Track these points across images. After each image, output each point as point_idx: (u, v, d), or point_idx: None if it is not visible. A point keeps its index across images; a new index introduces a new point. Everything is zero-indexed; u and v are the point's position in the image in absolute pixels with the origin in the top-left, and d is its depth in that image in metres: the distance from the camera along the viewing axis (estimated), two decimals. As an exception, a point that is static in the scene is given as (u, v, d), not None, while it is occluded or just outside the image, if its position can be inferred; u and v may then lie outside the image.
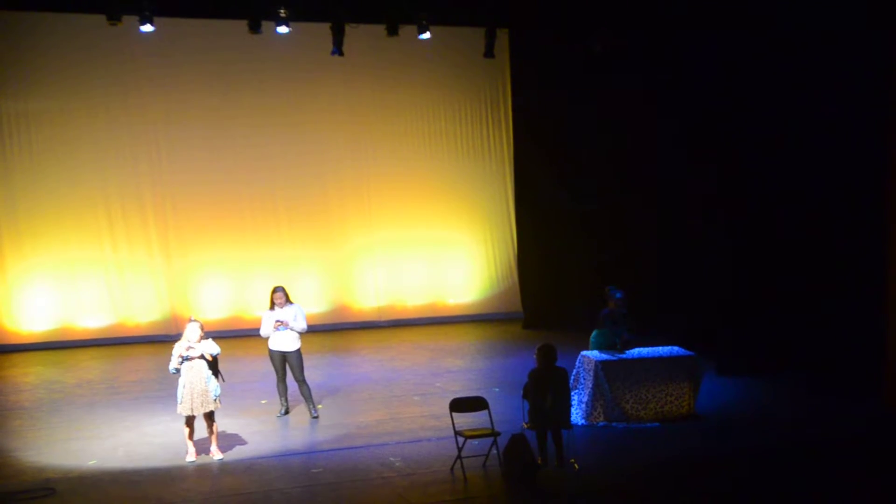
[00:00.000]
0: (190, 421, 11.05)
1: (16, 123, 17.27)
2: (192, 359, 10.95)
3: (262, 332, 12.64)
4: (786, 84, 14.27)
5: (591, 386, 12.31)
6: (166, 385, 13.25)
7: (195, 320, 11.20)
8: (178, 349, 10.95)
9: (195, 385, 10.96)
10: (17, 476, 10.68)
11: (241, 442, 11.71)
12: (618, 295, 12.88)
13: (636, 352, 12.73)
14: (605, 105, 18.41)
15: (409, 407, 13.36)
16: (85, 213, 17.71)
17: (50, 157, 17.44)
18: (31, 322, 17.56)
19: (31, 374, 15.82)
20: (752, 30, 14.58)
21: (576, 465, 10.63)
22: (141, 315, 18.16)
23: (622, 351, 12.61)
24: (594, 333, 12.97)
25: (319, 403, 13.11)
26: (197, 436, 11.24)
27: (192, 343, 10.95)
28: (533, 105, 18.90)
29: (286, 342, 12.59)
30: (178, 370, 10.94)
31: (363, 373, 15.61)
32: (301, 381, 12.66)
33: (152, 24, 16.19)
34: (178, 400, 11.01)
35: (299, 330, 12.61)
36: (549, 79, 18.60)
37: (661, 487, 10.21)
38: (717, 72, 15.42)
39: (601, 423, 12.23)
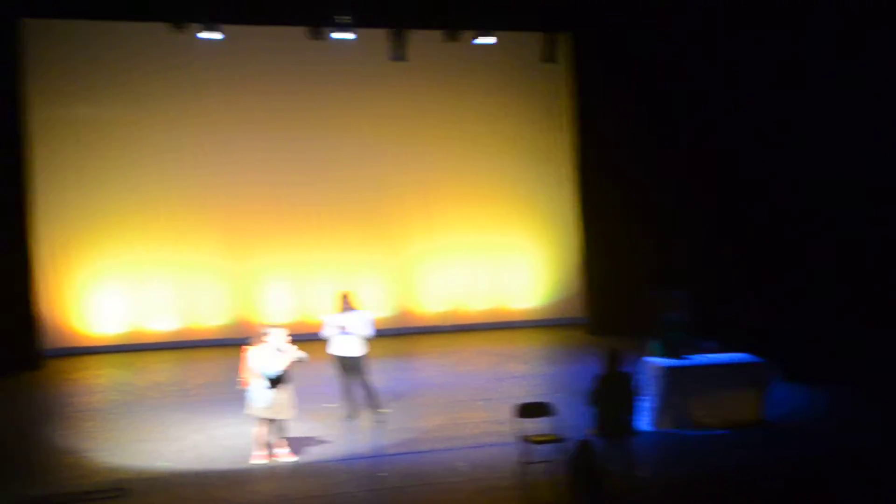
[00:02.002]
0: (264, 424, 11.14)
1: (88, 130, 17.59)
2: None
3: (324, 334, 12.74)
4: (847, 87, 14.09)
5: (658, 392, 12.23)
6: (233, 388, 13.24)
7: (273, 327, 11.30)
8: (275, 357, 11.00)
9: (283, 390, 11.09)
10: (91, 476, 10.91)
11: (308, 445, 11.80)
12: (676, 295, 12.77)
13: (703, 358, 12.61)
14: (668, 107, 18.27)
15: (474, 412, 13.36)
16: (154, 217, 17.99)
17: (120, 162, 17.75)
18: (103, 325, 17.86)
19: (103, 377, 16.12)
20: (813, 30, 14.43)
21: (644, 474, 10.54)
22: (208, 319, 18.39)
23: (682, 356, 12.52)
24: (653, 344, 12.88)
25: (384, 408, 13.14)
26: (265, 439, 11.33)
27: (288, 348, 11.06)
28: (594, 108, 18.78)
29: (350, 347, 12.68)
30: (279, 375, 11.02)
31: (427, 377, 15.67)
32: (365, 386, 12.73)
33: (215, 32, 16.40)
34: (260, 404, 11.08)
35: (362, 335, 12.65)
36: (611, 82, 18.49)
37: (728, 495, 10.10)
38: (784, 73, 15.26)
39: (668, 430, 12.14)
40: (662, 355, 12.64)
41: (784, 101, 15.29)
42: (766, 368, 12.54)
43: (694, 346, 12.61)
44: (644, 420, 12.22)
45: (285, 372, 11.10)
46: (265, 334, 11.15)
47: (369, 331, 12.68)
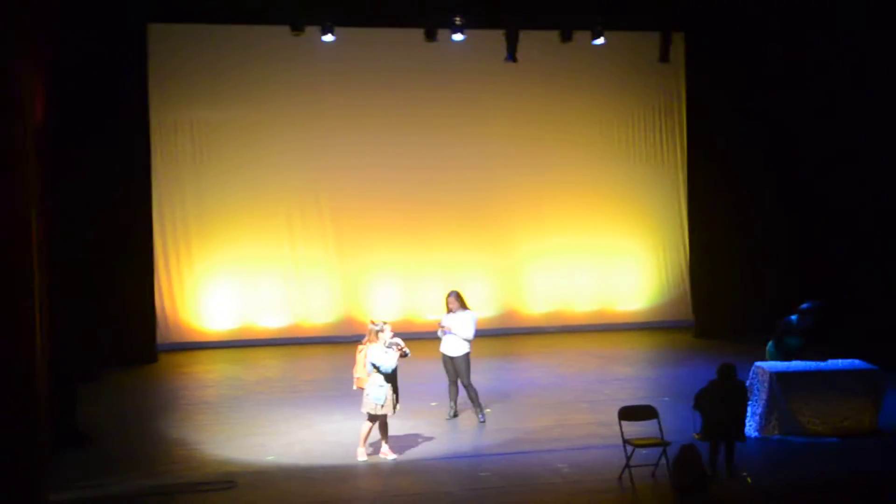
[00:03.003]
0: (374, 420, 11.22)
1: (205, 131, 17.97)
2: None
3: (439, 334, 12.88)
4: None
5: (765, 398, 12.00)
6: (340, 385, 13.55)
7: (382, 322, 11.39)
8: (388, 353, 11.10)
9: (392, 386, 11.19)
10: (202, 468, 11.17)
11: (412, 443, 11.88)
12: (804, 305, 12.53)
13: (814, 364, 12.33)
14: (781, 106, 17.87)
15: (577, 414, 13.29)
16: (266, 216, 18.27)
17: (235, 162, 18.08)
18: (216, 321, 18.22)
19: (214, 371, 16.47)
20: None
21: (748, 479, 10.42)
22: (317, 316, 18.62)
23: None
24: (770, 344, 12.66)
25: (487, 408, 13.15)
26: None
27: (399, 341, 11.17)
28: (708, 109, 18.46)
29: (452, 347, 12.73)
30: (394, 369, 11.14)
31: (531, 378, 15.63)
32: (467, 386, 12.75)
33: (333, 34, 16.70)
34: (379, 400, 11.07)
35: (463, 336, 12.66)
36: (725, 83, 18.15)
37: (836, 504, 9.92)
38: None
39: (776, 437, 11.92)
40: (778, 359, 12.41)
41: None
42: (881, 376, 12.17)
43: (811, 352, 12.35)
44: (751, 425, 12.03)
45: (395, 368, 11.20)
46: (380, 330, 11.20)
47: (471, 331, 12.68)
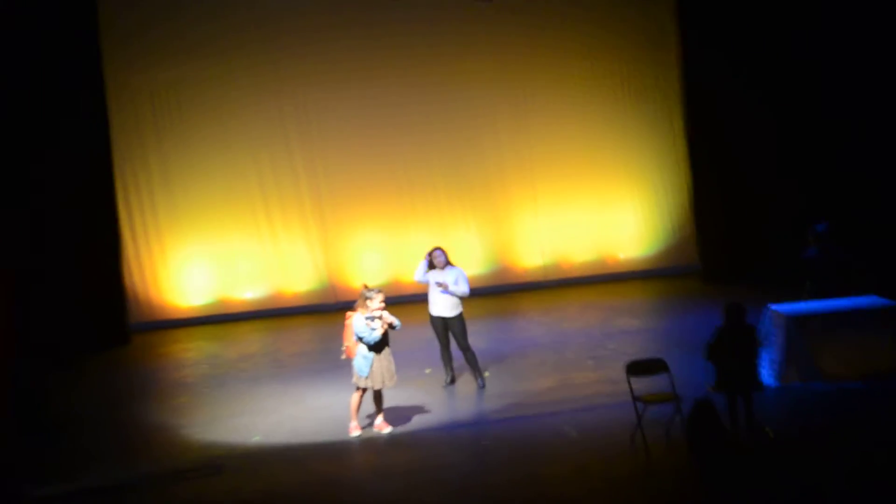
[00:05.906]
0: (363, 394, 10.89)
1: (166, 95, 17.41)
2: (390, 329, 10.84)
3: (415, 277, 12.57)
4: None
5: (782, 343, 11.54)
6: (328, 357, 13.23)
7: (374, 288, 10.94)
8: (367, 322, 10.62)
9: (384, 357, 10.79)
10: (184, 454, 10.85)
11: (407, 414, 11.56)
12: (819, 228, 12.10)
13: (830, 303, 11.92)
14: (786, 31, 17.14)
15: (582, 372, 12.94)
16: (238, 181, 17.76)
17: (200, 126, 17.50)
18: (190, 296, 17.81)
19: (192, 350, 16.12)
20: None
21: (770, 433, 9.96)
22: (298, 284, 18.18)
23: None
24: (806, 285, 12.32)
25: (486, 371, 12.76)
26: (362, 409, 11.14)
27: (383, 313, 10.70)
28: (703, 37, 17.52)
29: (446, 307, 12.23)
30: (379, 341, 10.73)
31: (531, 336, 15.24)
32: (465, 349, 12.32)
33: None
34: (363, 373, 10.73)
35: (460, 294, 12.21)
36: (720, 9, 17.36)
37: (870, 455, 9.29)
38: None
39: (796, 384, 11.46)
40: (813, 297, 12.08)
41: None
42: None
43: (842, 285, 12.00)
44: (769, 374, 11.61)
45: (385, 337, 10.79)
46: (368, 298, 10.76)
47: (464, 289, 12.22)
